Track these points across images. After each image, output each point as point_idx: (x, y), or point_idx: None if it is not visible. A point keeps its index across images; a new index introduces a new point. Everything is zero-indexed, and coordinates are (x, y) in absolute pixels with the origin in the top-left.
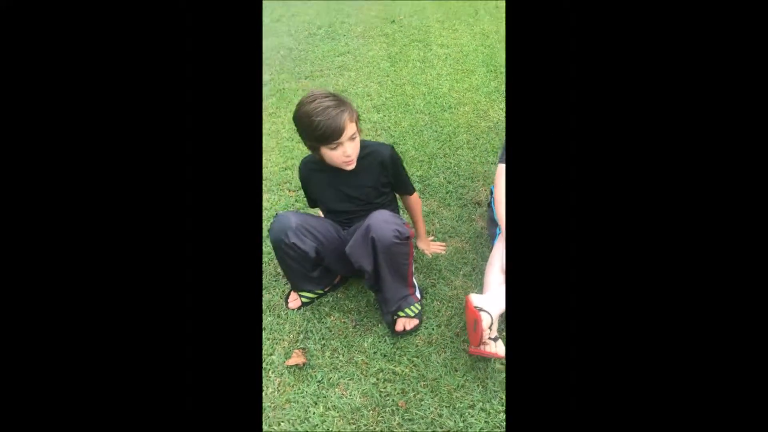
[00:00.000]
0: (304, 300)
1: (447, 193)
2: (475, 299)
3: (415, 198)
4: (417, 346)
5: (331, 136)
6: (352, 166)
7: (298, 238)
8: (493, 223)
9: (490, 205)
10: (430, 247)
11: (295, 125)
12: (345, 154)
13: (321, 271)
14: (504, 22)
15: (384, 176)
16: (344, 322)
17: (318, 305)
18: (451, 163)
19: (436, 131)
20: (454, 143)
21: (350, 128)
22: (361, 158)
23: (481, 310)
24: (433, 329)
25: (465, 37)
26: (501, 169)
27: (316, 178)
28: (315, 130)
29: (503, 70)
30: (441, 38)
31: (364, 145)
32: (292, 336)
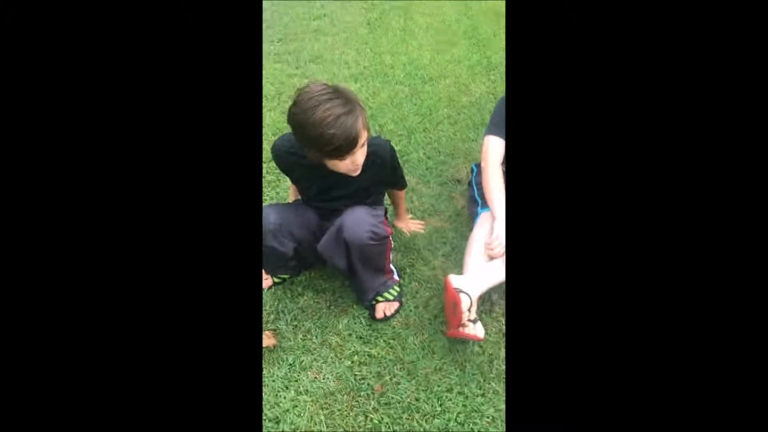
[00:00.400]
0: (276, 280)
1: (427, 169)
2: (454, 280)
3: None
4: (394, 328)
5: (347, 149)
6: (357, 173)
7: (277, 240)
8: (473, 202)
9: (470, 184)
10: (408, 225)
11: (294, 130)
12: (355, 163)
13: (297, 261)
14: None
15: (381, 177)
16: (318, 302)
17: (290, 284)
18: (431, 138)
19: (416, 104)
20: (435, 118)
21: (364, 136)
22: None
23: (460, 291)
24: (410, 311)
25: (447, 6)
26: (489, 141)
27: (300, 171)
28: (327, 145)
29: (486, 43)
30: (423, 6)
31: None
32: (262, 316)
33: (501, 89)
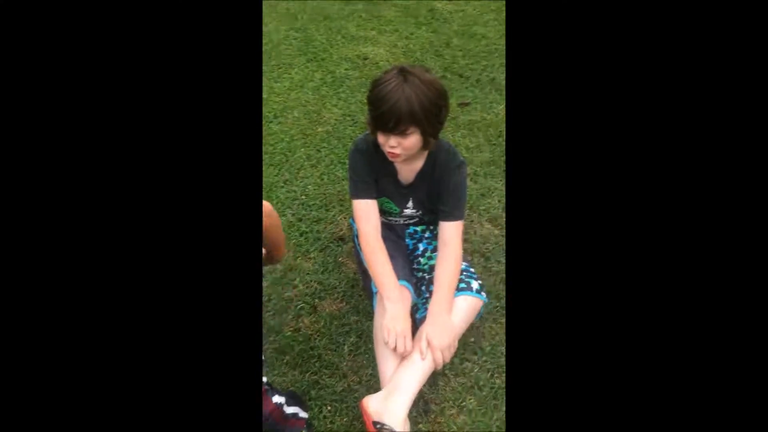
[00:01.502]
0: None
1: (301, 236)
2: (373, 407)
3: None
4: None
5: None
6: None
7: None
8: (364, 273)
9: (354, 240)
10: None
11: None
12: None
13: None
14: None
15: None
16: None
17: None
18: (295, 191)
19: (267, 153)
20: (293, 163)
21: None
22: None
23: (382, 427)
24: None
25: (270, 22)
26: (358, 207)
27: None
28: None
29: (324, 56)
30: None
31: None
32: None
33: (354, 108)
